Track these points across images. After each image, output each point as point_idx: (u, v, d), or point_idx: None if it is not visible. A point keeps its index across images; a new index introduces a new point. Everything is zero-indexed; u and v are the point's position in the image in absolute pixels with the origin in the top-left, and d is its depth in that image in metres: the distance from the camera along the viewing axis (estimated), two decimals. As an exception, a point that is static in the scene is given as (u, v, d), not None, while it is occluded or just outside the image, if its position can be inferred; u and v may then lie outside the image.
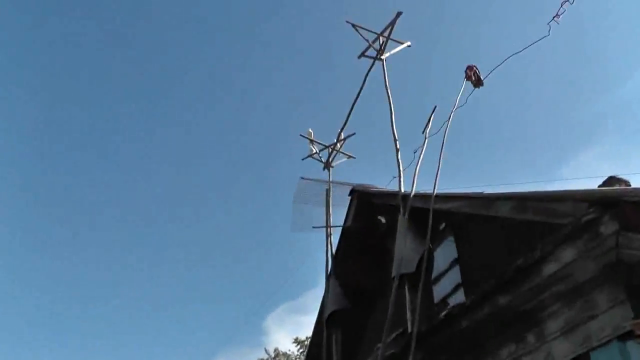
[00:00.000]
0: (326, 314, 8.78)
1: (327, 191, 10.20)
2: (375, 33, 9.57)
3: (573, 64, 36.46)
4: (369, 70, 9.59)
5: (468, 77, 8.37)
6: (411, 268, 6.93)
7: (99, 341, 37.75)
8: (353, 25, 9.62)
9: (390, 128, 8.61)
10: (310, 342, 10.55)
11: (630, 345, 4.08)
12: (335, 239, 9.68)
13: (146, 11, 38.80)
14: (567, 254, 4.46)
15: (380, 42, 9.55)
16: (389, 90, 9.06)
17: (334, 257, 9.39)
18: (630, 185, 4.96)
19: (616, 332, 4.16)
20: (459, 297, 6.43)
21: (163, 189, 43.68)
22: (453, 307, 5.99)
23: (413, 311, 6.57)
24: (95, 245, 42.23)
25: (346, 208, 9.70)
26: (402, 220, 7.32)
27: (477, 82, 8.33)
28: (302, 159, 11.27)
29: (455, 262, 6.92)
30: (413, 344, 6.06)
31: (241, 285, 42.55)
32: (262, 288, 38.46)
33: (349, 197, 9.67)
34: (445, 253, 7.16)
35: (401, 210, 7.45)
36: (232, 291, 42.31)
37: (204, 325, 40.64)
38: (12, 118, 37.54)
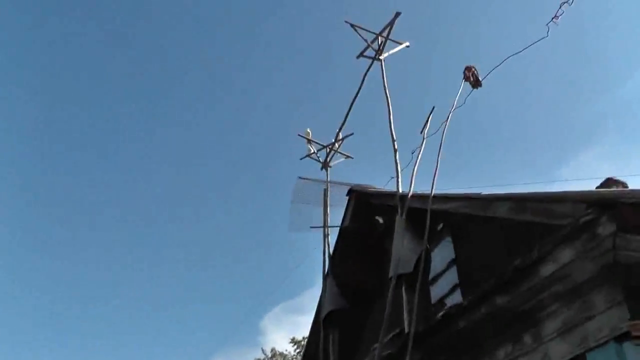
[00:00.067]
0: (323, 314, 8.77)
1: (325, 191, 10.20)
2: (374, 33, 9.57)
3: (573, 64, 36.57)
4: (367, 71, 9.60)
5: (466, 78, 8.37)
6: (409, 268, 6.93)
7: (99, 341, 37.80)
8: (352, 25, 9.63)
9: (389, 128, 8.62)
10: (307, 342, 10.55)
11: (627, 346, 4.09)
12: (333, 239, 9.70)
13: (146, 11, 38.84)
14: (565, 255, 4.46)
15: (379, 42, 9.56)
16: (387, 91, 9.07)
17: (332, 257, 9.39)
18: (627, 187, 4.97)
19: (613, 333, 4.16)
20: (457, 298, 6.43)
21: (163, 189, 43.74)
22: (450, 307, 5.99)
23: (410, 311, 6.57)
24: (95, 245, 42.32)
25: (344, 208, 9.70)
26: (399, 221, 7.32)
27: (476, 83, 8.33)
28: (300, 159, 11.29)
29: (452, 262, 6.92)
30: (410, 345, 6.06)
31: (239, 285, 42.64)
32: (261, 288, 38.57)
33: (347, 197, 9.68)
34: (442, 253, 7.17)
35: (399, 210, 7.46)
36: (230, 291, 42.40)
37: (202, 325, 40.76)
38: (12, 118, 37.58)
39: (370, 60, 9.59)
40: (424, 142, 8.07)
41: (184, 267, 42.42)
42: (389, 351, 6.59)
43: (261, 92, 40.86)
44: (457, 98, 8.13)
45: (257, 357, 23.42)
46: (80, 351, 37.17)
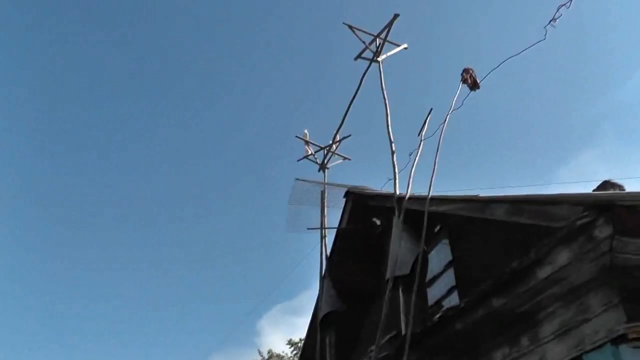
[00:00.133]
0: (320, 316, 8.77)
1: (322, 193, 10.20)
2: (372, 35, 9.59)
3: (572, 65, 36.64)
4: (365, 72, 9.62)
5: (464, 80, 8.39)
6: (405, 270, 6.93)
7: (98, 341, 37.71)
8: (350, 27, 9.65)
9: (386, 130, 8.63)
10: (304, 343, 10.53)
11: (623, 349, 4.09)
12: (330, 241, 9.69)
13: (146, 11, 38.86)
14: (562, 257, 4.47)
15: (377, 44, 9.58)
16: (385, 92, 9.08)
17: (329, 259, 9.38)
18: (624, 189, 4.98)
19: (610, 336, 4.17)
20: (454, 300, 6.43)
21: (163, 189, 43.73)
22: (447, 309, 5.99)
23: (407, 313, 6.57)
24: (95, 245, 42.27)
25: (341, 209, 9.70)
26: (397, 223, 7.33)
27: (474, 85, 8.35)
28: (298, 160, 11.30)
29: (449, 264, 6.92)
30: (407, 346, 6.06)
31: (238, 285, 42.65)
32: (260, 288, 38.64)
33: (344, 199, 9.67)
34: (439, 255, 7.17)
35: (396, 212, 7.46)
36: (228, 292, 42.43)
37: (200, 326, 40.74)
38: (12, 118, 37.49)
39: (368, 62, 9.60)
40: (422, 144, 8.09)
41: (183, 268, 42.49)
42: (386, 353, 6.58)
43: (260, 93, 41.01)
44: (454, 100, 8.15)
45: (254, 358, 23.38)
46: (80, 351, 37.16)
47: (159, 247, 42.23)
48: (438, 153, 7.56)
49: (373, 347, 6.84)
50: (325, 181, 10.48)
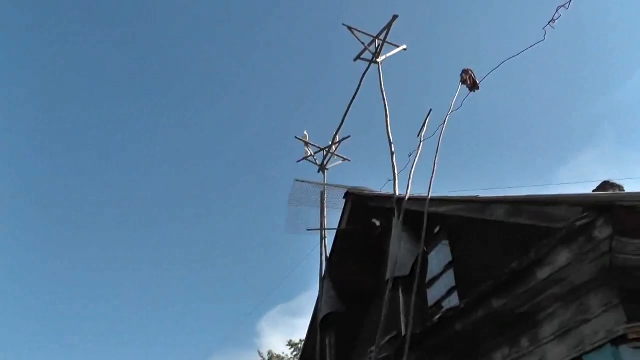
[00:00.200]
0: (320, 317, 8.76)
1: (322, 194, 10.20)
2: (371, 36, 9.60)
3: (572, 65, 36.68)
4: (365, 73, 9.63)
5: (464, 81, 8.39)
6: (405, 271, 6.93)
7: (98, 341, 37.70)
8: (349, 28, 9.65)
9: (386, 131, 8.64)
10: (304, 344, 10.53)
11: (624, 349, 4.09)
12: (330, 242, 9.70)
13: (146, 11, 38.89)
14: (562, 258, 4.47)
15: (376, 45, 9.59)
16: (384, 93, 9.09)
17: (329, 260, 9.38)
18: (624, 190, 4.99)
19: (610, 336, 4.17)
20: (453, 301, 6.43)
21: (163, 189, 43.74)
22: (447, 310, 5.99)
23: (407, 314, 6.57)
24: (95, 245, 42.26)
25: (341, 211, 9.70)
26: (396, 224, 7.33)
27: (473, 86, 8.35)
28: (297, 162, 11.30)
29: (449, 265, 6.92)
30: (407, 347, 6.06)
31: (238, 286, 42.64)
32: (260, 289, 38.62)
33: (344, 200, 9.67)
34: (439, 256, 7.17)
35: (396, 213, 7.46)
36: (228, 292, 42.40)
37: (200, 326, 40.72)
38: (12, 118, 37.50)
39: (368, 63, 9.61)
40: (421, 145, 8.09)
41: (183, 268, 42.48)
42: (386, 354, 6.58)
43: (260, 93, 41.01)
44: (454, 101, 8.16)
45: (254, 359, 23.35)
46: (80, 351, 37.14)
47: (159, 247, 42.28)
48: (438, 154, 7.58)
49: (373, 348, 6.84)
50: (325, 182, 10.48)
